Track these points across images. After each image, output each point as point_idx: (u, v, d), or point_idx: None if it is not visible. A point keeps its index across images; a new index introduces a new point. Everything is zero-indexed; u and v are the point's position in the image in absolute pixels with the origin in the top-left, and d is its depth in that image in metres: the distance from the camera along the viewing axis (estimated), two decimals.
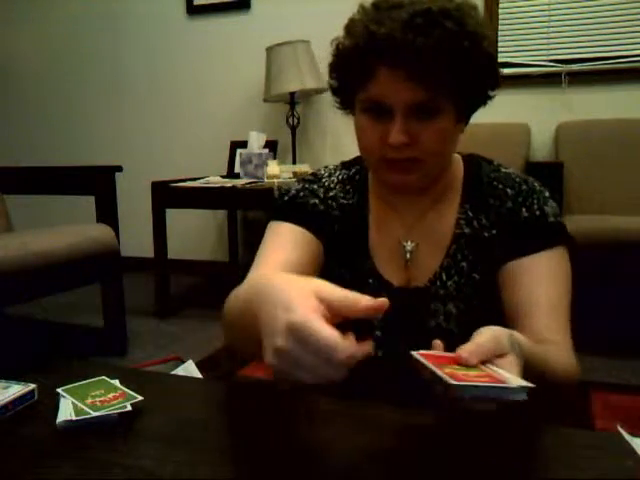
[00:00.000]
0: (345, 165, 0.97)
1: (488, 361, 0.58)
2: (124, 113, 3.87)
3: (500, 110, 3.09)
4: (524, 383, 0.54)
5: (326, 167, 0.98)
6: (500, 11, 3.02)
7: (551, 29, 2.96)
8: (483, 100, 0.85)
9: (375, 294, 0.78)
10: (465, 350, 0.58)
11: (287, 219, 0.89)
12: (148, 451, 0.59)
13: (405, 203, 0.90)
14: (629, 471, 0.55)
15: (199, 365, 1.26)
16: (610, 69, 2.87)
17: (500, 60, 3.19)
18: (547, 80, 2.96)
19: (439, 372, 0.53)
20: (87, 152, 3.86)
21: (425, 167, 0.81)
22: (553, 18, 2.95)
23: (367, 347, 0.51)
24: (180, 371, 1.19)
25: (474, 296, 0.85)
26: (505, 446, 0.61)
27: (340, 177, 0.94)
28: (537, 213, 0.85)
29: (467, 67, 0.76)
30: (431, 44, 0.73)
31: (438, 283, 0.87)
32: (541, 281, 0.83)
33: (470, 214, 0.88)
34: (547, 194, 0.88)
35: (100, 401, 0.66)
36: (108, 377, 0.73)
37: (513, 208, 0.86)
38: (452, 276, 0.86)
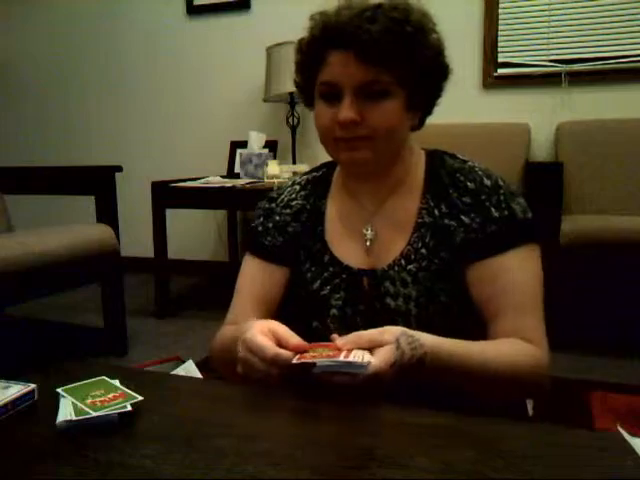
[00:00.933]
0: (314, 169, 1.05)
1: (366, 348, 0.72)
2: (124, 113, 3.87)
3: (500, 110, 3.12)
4: (365, 360, 0.68)
5: (299, 176, 1.06)
6: (500, 11, 3.01)
7: (551, 29, 2.95)
8: (435, 91, 0.90)
9: (335, 278, 0.93)
10: (341, 338, 0.74)
11: (253, 253, 1.00)
12: (148, 451, 0.59)
13: (366, 192, 0.95)
14: (629, 471, 0.55)
15: (199, 365, 1.27)
16: (610, 69, 2.87)
17: (500, 60, 3.21)
18: (547, 80, 2.96)
19: (296, 359, 0.71)
20: (87, 152, 3.86)
21: (373, 145, 0.85)
22: (553, 18, 2.94)
23: (287, 353, 0.72)
24: (180, 371, 1.19)
25: (433, 280, 0.88)
26: (505, 446, 0.61)
27: (302, 182, 1.02)
28: (505, 212, 0.87)
29: (412, 53, 0.83)
30: (377, 29, 0.80)
31: (397, 268, 0.90)
32: (510, 280, 0.85)
33: (431, 203, 0.91)
34: (513, 190, 0.90)
35: (100, 401, 0.66)
36: (108, 377, 0.73)
37: (474, 203, 0.88)
38: (412, 261, 0.89)
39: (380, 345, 0.72)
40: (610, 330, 2.33)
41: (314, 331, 0.92)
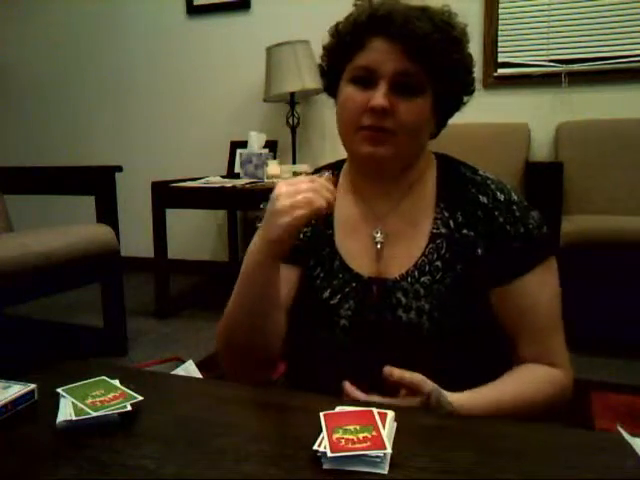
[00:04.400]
0: (318, 169, 1.01)
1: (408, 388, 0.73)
2: (124, 113, 3.87)
3: (500, 110, 3.11)
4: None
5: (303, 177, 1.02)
6: (500, 11, 3.01)
7: (551, 29, 2.95)
8: (456, 103, 0.90)
9: (345, 287, 0.89)
10: (393, 370, 0.73)
11: None
12: (148, 451, 0.59)
13: (377, 194, 0.92)
14: (629, 471, 0.55)
15: (199, 365, 1.26)
16: (610, 69, 2.87)
17: (500, 60, 3.20)
18: (547, 80, 2.96)
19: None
20: (87, 152, 3.85)
21: (396, 142, 0.84)
22: (553, 18, 2.94)
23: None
24: (180, 371, 1.19)
25: (448, 294, 0.86)
26: (505, 446, 0.61)
27: None
28: (521, 230, 0.86)
29: (452, 57, 0.84)
30: (426, 25, 0.81)
31: (410, 279, 0.87)
32: (533, 303, 0.86)
33: (446, 214, 0.89)
34: (526, 203, 0.89)
35: (100, 401, 0.66)
36: (108, 377, 0.73)
37: (487, 219, 0.86)
38: (426, 273, 0.87)
39: (416, 390, 0.73)
40: (610, 330, 2.33)
41: (322, 342, 0.89)
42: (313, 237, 0.94)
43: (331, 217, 0.94)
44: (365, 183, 0.93)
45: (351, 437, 0.58)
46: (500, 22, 3.02)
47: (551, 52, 2.96)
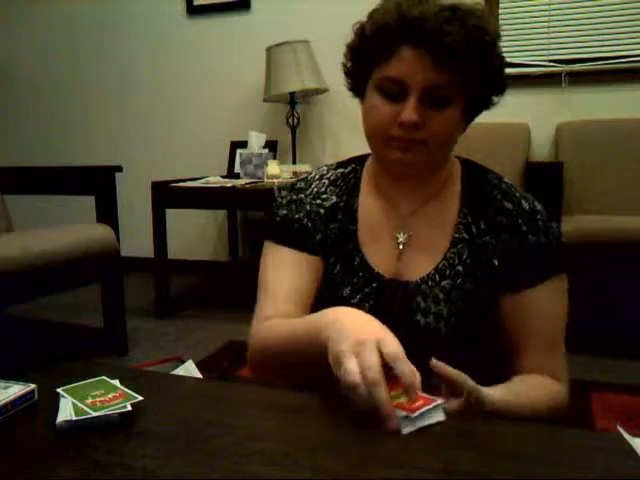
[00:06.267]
0: (341, 164, 0.98)
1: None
2: (124, 113, 3.87)
3: (500, 110, 3.08)
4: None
5: (321, 167, 0.99)
6: (500, 11, 3.02)
7: (551, 29, 2.95)
8: (486, 104, 0.88)
9: (365, 286, 0.88)
10: (439, 363, 0.68)
11: (284, 243, 0.92)
12: (148, 451, 0.59)
13: (402, 195, 0.91)
14: (629, 471, 0.55)
15: (199, 365, 1.26)
16: (610, 69, 2.87)
17: None
18: (547, 80, 2.96)
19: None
20: (87, 152, 3.86)
21: (427, 151, 0.82)
22: (553, 18, 2.94)
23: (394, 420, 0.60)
24: (180, 371, 1.19)
25: (466, 300, 0.86)
26: (505, 446, 0.61)
27: (332, 177, 0.96)
28: (542, 239, 0.85)
29: (484, 62, 0.80)
30: (458, 32, 0.76)
31: (430, 283, 0.87)
32: (542, 315, 0.85)
33: (469, 219, 0.88)
34: (549, 216, 0.89)
35: (100, 401, 0.66)
36: (108, 377, 0.73)
37: (510, 226, 0.86)
38: (446, 277, 0.87)
39: (457, 386, 0.69)
40: (610, 330, 2.33)
41: None
42: (336, 230, 0.92)
43: (356, 213, 0.93)
44: (390, 184, 0.92)
45: (402, 401, 0.62)
46: (500, 22, 3.02)
47: (551, 52, 2.96)
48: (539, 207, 0.88)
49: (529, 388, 0.82)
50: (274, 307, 0.89)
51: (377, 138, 0.84)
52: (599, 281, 2.31)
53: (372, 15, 0.83)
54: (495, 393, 0.74)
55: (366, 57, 0.84)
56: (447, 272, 0.87)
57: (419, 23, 0.77)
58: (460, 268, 0.87)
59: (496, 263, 0.86)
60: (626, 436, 0.60)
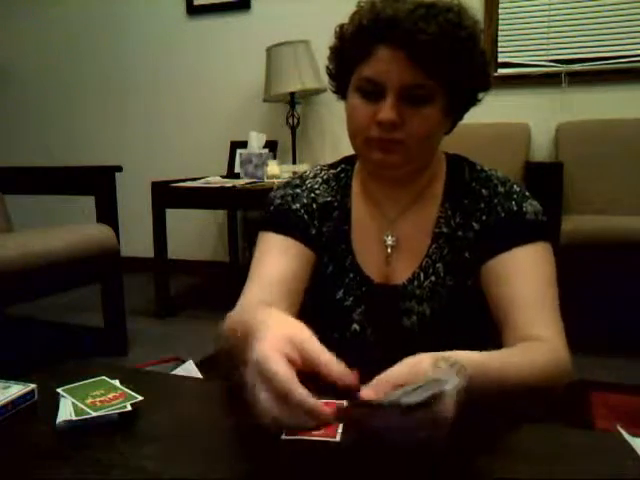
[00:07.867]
0: (332, 165, 0.99)
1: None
2: (124, 113, 3.87)
3: (500, 110, 3.11)
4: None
5: (315, 167, 1.00)
6: (500, 11, 3.01)
7: (551, 29, 2.95)
8: (472, 100, 0.87)
9: (355, 289, 0.88)
10: (368, 388, 0.55)
11: (275, 230, 0.91)
12: (148, 451, 0.59)
13: (388, 198, 0.91)
14: (629, 471, 0.55)
15: (199, 365, 1.26)
16: (610, 69, 2.87)
17: (500, 60, 3.18)
18: (547, 80, 2.96)
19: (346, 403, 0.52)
20: (87, 152, 3.85)
21: (408, 151, 0.82)
22: (553, 18, 2.94)
23: (329, 411, 0.49)
24: (180, 371, 1.19)
25: (448, 298, 0.86)
26: (504, 446, 0.61)
27: (325, 177, 0.96)
28: (514, 209, 0.85)
29: (462, 58, 0.79)
30: (432, 29, 0.76)
31: (415, 283, 0.88)
32: (522, 276, 0.82)
33: (449, 212, 0.89)
34: (527, 194, 0.88)
35: (100, 401, 0.66)
36: (108, 377, 0.73)
37: (486, 209, 0.86)
38: (429, 276, 0.87)
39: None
40: (610, 330, 2.33)
41: (332, 346, 0.82)
42: (331, 229, 0.93)
43: (349, 213, 0.93)
44: (376, 186, 0.92)
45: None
46: (500, 22, 3.02)
47: (551, 52, 2.96)
48: (517, 188, 0.88)
49: (511, 352, 0.75)
50: (256, 291, 0.85)
51: (358, 139, 0.84)
52: (599, 281, 2.31)
53: (351, 17, 0.83)
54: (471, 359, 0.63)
55: (346, 59, 0.84)
56: (430, 269, 0.87)
57: (393, 22, 0.77)
58: (440, 265, 0.87)
59: (469, 255, 0.86)
60: (626, 436, 0.60)
